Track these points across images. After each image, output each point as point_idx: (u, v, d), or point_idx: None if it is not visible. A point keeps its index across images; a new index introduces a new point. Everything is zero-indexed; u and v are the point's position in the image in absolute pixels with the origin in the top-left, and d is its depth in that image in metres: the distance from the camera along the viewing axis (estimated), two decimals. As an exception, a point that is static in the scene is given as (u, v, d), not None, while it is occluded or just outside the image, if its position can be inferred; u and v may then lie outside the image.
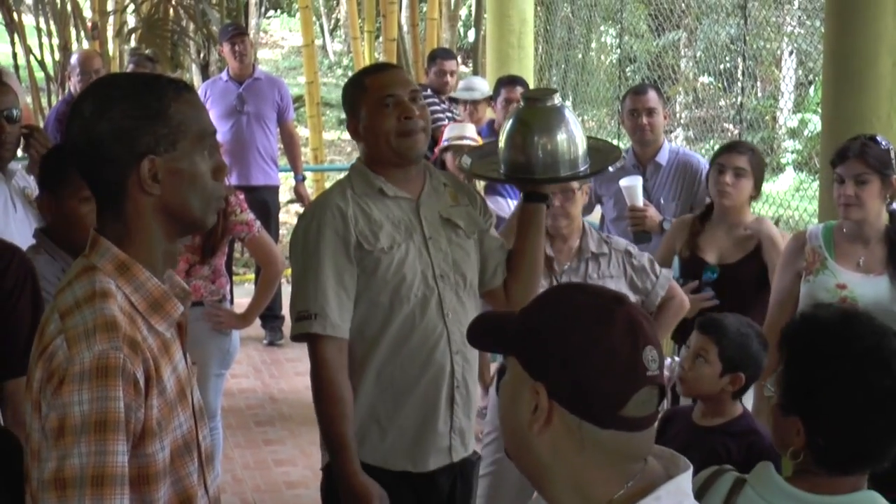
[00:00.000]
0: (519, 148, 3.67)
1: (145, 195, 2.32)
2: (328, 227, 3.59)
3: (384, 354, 3.65)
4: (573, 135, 3.67)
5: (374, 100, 3.63)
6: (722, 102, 13.60)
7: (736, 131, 13.46)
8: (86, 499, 2.15)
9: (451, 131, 7.26)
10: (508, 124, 3.74)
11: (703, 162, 6.29)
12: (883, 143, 4.62)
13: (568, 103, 3.71)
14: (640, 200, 5.93)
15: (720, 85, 13.62)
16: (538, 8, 11.26)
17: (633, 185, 5.92)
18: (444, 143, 7.12)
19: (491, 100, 7.85)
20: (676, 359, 4.77)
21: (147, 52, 10.83)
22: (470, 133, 7.20)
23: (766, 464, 2.50)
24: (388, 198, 3.67)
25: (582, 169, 3.72)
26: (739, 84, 11.43)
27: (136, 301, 2.31)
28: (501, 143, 3.73)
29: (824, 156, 5.79)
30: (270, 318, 9.07)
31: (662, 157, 6.17)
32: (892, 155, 4.63)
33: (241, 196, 5.76)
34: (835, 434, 2.43)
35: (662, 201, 6.11)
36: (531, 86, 9.53)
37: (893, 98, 5.56)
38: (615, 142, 10.04)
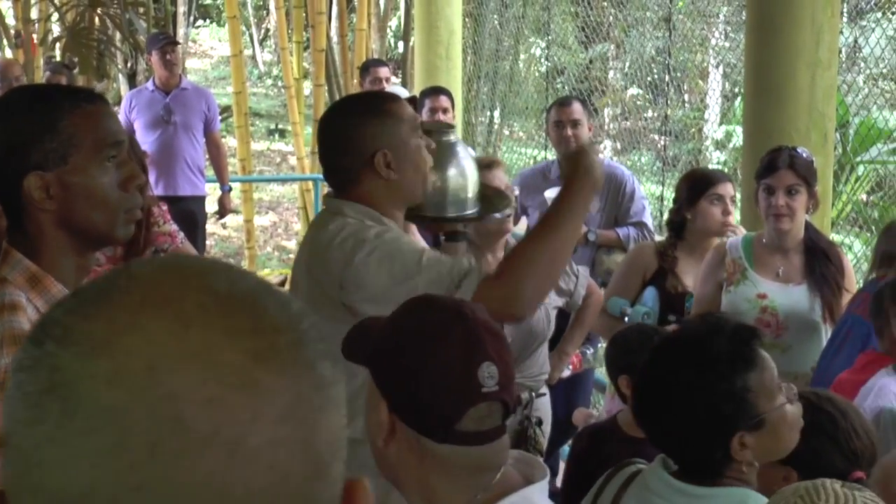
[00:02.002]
0: None
1: (41, 210, 2.27)
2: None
3: None
4: (465, 173, 3.47)
5: (410, 129, 3.19)
6: (650, 114, 13.72)
7: (664, 142, 13.60)
8: None
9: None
10: None
11: (628, 173, 6.34)
12: (805, 154, 4.69)
13: (475, 145, 3.60)
14: (564, 211, 5.95)
15: (647, 97, 13.74)
16: (466, 19, 11.30)
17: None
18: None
19: (412, 104, 7.84)
20: None
21: (64, 60, 10.75)
22: (402, 91, 7.47)
23: (662, 457, 2.52)
24: None
25: (471, 211, 3.51)
26: (665, 96, 11.52)
27: (47, 314, 2.29)
28: None
29: (745, 168, 5.86)
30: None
31: (587, 169, 6.19)
32: (815, 166, 4.71)
33: (165, 207, 5.72)
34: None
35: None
36: (458, 97, 9.57)
37: (812, 111, 5.64)
38: (543, 154, 10.11)
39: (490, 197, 3.67)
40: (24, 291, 2.27)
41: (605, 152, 14.18)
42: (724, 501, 2.42)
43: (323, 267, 3.14)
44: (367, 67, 8.96)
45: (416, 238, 6.52)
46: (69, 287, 2.32)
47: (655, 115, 12.62)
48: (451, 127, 3.73)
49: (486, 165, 4.88)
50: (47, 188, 2.26)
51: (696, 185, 5.15)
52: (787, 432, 2.44)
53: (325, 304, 3.11)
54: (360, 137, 3.16)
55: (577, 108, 6.19)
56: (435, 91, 7.65)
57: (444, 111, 7.40)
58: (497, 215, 3.82)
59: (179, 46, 9.24)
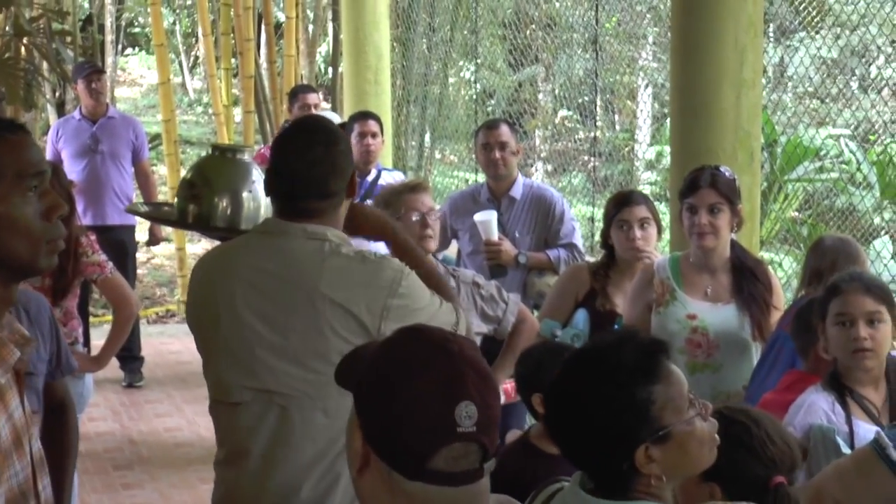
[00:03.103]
0: (196, 196, 3.65)
1: None
2: None
3: None
4: (258, 193, 3.67)
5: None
6: (581, 135, 13.79)
7: (594, 164, 13.66)
8: None
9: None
10: (192, 170, 3.74)
11: (557, 195, 6.36)
12: (727, 173, 4.72)
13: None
14: (494, 235, 5.97)
15: (577, 118, 13.82)
16: (395, 44, 11.31)
17: (487, 219, 5.96)
18: None
19: (343, 129, 7.80)
20: None
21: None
22: (334, 117, 7.73)
23: (580, 473, 2.50)
24: None
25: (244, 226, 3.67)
26: (595, 117, 11.58)
27: (-31, 347, 2.25)
28: (178, 189, 3.74)
29: (672, 188, 5.89)
30: (129, 359, 8.93)
31: (517, 191, 6.22)
32: (737, 185, 4.73)
33: (93, 237, 5.68)
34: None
35: (518, 235, 6.16)
36: (388, 122, 9.57)
37: (738, 130, 5.68)
38: (474, 177, 10.12)
39: None
40: None
41: (537, 174, 14.22)
42: None
43: (364, 297, 3.17)
44: (296, 94, 8.93)
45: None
46: (-10, 321, 2.29)
47: (586, 136, 12.69)
48: (246, 147, 3.91)
49: (411, 188, 4.90)
50: None
51: (608, 211, 5.21)
52: (697, 448, 2.40)
53: (358, 336, 3.14)
54: (346, 161, 3.29)
55: (504, 131, 6.20)
56: (363, 115, 7.64)
57: (374, 135, 7.40)
58: None
59: (106, 75, 9.18)
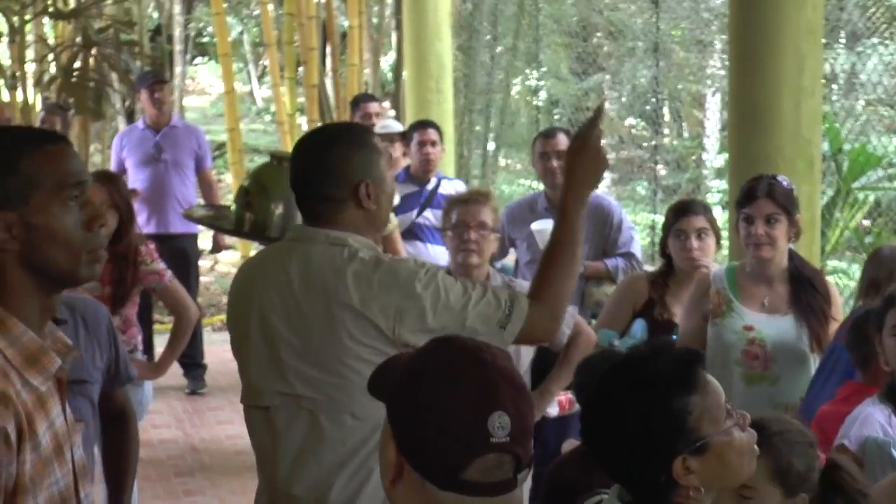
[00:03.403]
0: (252, 204, 3.63)
1: (3, 251, 2.27)
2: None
3: None
4: None
5: (387, 163, 3.33)
6: (647, 143, 13.72)
7: (655, 172, 13.58)
8: None
9: (380, 128, 7.68)
10: (246, 181, 3.69)
11: (615, 204, 6.33)
12: (785, 182, 4.66)
13: None
14: (551, 244, 5.93)
15: (645, 126, 13.74)
16: (457, 53, 11.32)
17: (544, 228, 5.93)
18: (377, 131, 7.33)
19: (404, 138, 7.81)
20: None
21: (59, 101, 10.79)
22: (395, 125, 7.78)
23: (618, 486, 2.47)
24: None
25: None
26: (656, 125, 11.51)
27: (10, 355, 2.26)
28: (235, 197, 3.68)
29: (732, 197, 5.83)
30: (192, 366, 9.00)
31: (574, 201, 6.17)
32: (795, 194, 4.67)
33: (152, 245, 5.74)
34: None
35: (575, 244, 6.11)
36: (450, 130, 9.57)
37: (797, 138, 5.62)
38: (537, 184, 10.09)
39: None
40: None
41: (603, 182, 14.14)
42: None
43: (378, 300, 3.14)
44: (358, 102, 8.97)
45: (400, 250, 6.57)
46: (33, 328, 2.31)
47: (650, 144, 12.62)
48: None
49: (464, 200, 4.89)
50: (9, 228, 2.25)
51: (667, 220, 5.17)
52: (736, 458, 2.37)
53: (376, 340, 3.14)
54: (348, 167, 3.24)
55: (561, 140, 6.18)
56: (423, 124, 7.65)
57: (433, 144, 7.40)
58: None
59: (168, 85, 9.26)
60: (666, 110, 14.41)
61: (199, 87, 23.78)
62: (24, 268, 2.28)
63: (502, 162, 13.65)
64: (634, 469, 2.37)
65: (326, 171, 3.27)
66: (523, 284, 4.89)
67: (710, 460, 2.33)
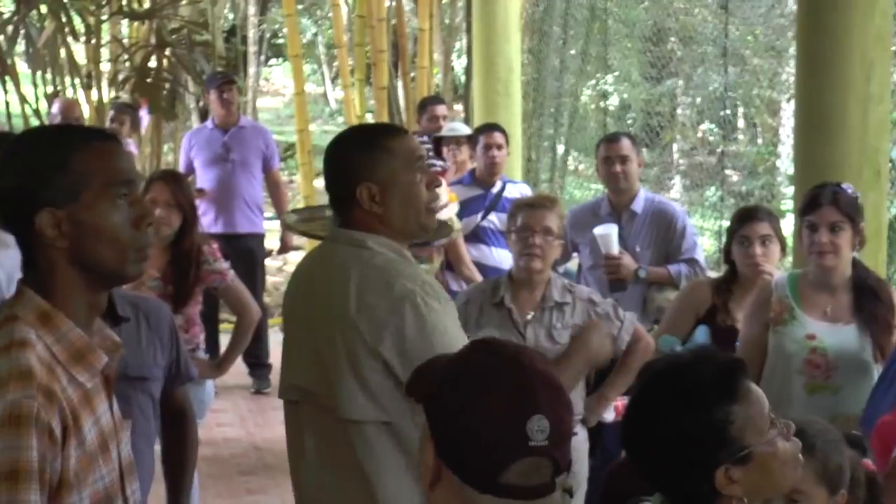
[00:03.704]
0: None
1: (53, 248, 2.29)
2: (444, 296, 3.22)
3: None
4: None
5: (405, 164, 3.22)
6: (720, 149, 13.60)
7: (735, 178, 13.45)
8: None
9: (446, 131, 7.88)
10: None
11: (679, 210, 6.28)
12: (849, 190, 4.60)
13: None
14: (614, 248, 5.91)
15: (720, 132, 13.63)
16: (527, 56, 11.29)
17: (607, 233, 5.91)
18: (443, 133, 7.65)
19: (470, 140, 7.80)
20: None
21: (129, 100, 10.91)
22: (462, 128, 7.79)
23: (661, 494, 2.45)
24: None
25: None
26: (728, 132, 11.41)
27: (56, 351, 2.29)
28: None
29: (797, 204, 5.76)
30: (257, 366, 9.05)
31: (637, 205, 6.15)
32: (860, 202, 4.61)
33: (215, 245, 5.78)
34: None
35: (638, 249, 6.08)
36: (517, 134, 9.54)
37: (864, 146, 5.54)
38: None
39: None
40: (35, 329, 2.27)
41: (675, 188, 14.06)
42: None
43: (367, 309, 3.14)
44: (425, 105, 8.98)
45: (464, 252, 6.55)
46: (81, 325, 2.33)
47: (720, 151, 12.50)
48: None
49: (529, 204, 4.88)
50: (59, 225, 2.28)
51: (731, 226, 5.12)
52: (780, 468, 2.34)
53: (360, 347, 3.13)
54: (348, 168, 3.23)
55: (625, 144, 6.14)
56: (489, 128, 7.63)
57: (499, 147, 7.38)
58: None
59: (236, 85, 9.31)
60: (741, 116, 14.29)
61: (274, 89, 23.95)
62: (72, 265, 2.30)
63: (572, 166, 13.61)
64: (676, 479, 2.35)
65: (331, 172, 3.29)
66: (583, 290, 4.88)
67: (753, 470, 2.30)
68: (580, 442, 4.80)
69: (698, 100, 13.88)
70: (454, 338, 3.08)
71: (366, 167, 3.21)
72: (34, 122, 12.15)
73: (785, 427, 2.35)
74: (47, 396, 2.20)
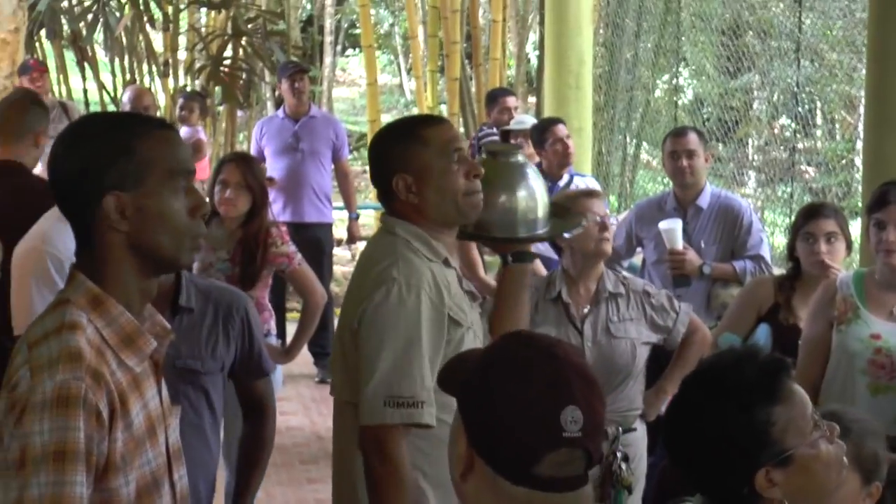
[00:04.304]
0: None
1: (113, 231, 2.31)
2: (426, 296, 3.15)
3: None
4: (534, 193, 3.42)
5: (439, 154, 3.22)
6: (798, 146, 13.45)
7: (812, 174, 13.28)
8: None
9: (514, 124, 7.86)
10: None
11: (745, 205, 6.21)
12: None
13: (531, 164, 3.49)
14: (679, 244, 5.86)
15: (794, 127, 13.47)
16: (601, 49, 11.23)
17: (671, 228, 5.86)
18: (510, 127, 7.70)
19: (529, 135, 7.76)
20: None
21: (199, 89, 11.00)
22: (529, 120, 7.79)
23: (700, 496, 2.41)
24: (448, 268, 3.28)
25: (541, 231, 3.47)
26: (810, 127, 11.27)
27: (107, 335, 2.31)
28: None
29: (865, 200, 5.67)
30: (322, 355, 9.07)
31: (703, 201, 6.09)
32: None
33: (284, 228, 5.80)
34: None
35: (703, 245, 6.02)
36: (588, 127, 9.51)
37: (935, 144, 5.46)
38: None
39: (560, 216, 3.65)
40: (86, 312, 2.30)
41: (750, 184, 13.91)
42: None
43: (358, 291, 3.22)
44: (495, 97, 8.96)
45: (475, 257, 6.54)
46: (131, 310, 2.35)
47: (792, 147, 12.37)
48: (518, 148, 3.69)
49: (587, 194, 4.86)
50: (123, 209, 2.30)
51: (796, 222, 5.04)
52: (823, 471, 2.30)
53: (352, 336, 3.21)
54: (385, 160, 3.29)
55: (692, 139, 6.08)
56: (551, 122, 7.61)
57: (566, 138, 7.35)
58: (566, 234, 3.86)
59: (307, 75, 9.35)
60: (819, 112, 14.12)
61: (350, 79, 24.01)
62: (129, 250, 2.33)
63: (644, 159, 13.53)
64: (716, 480, 2.32)
65: (372, 165, 3.34)
66: (637, 282, 4.85)
67: (794, 473, 2.27)
68: (639, 438, 4.78)
69: (775, 95, 13.74)
70: (408, 343, 3.09)
71: (401, 158, 3.23)
72: (112, 110, 12.32)
73: (829, 429, 2.31)
74: (95, 379, 2.22)
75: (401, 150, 3.25)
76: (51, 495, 2.15)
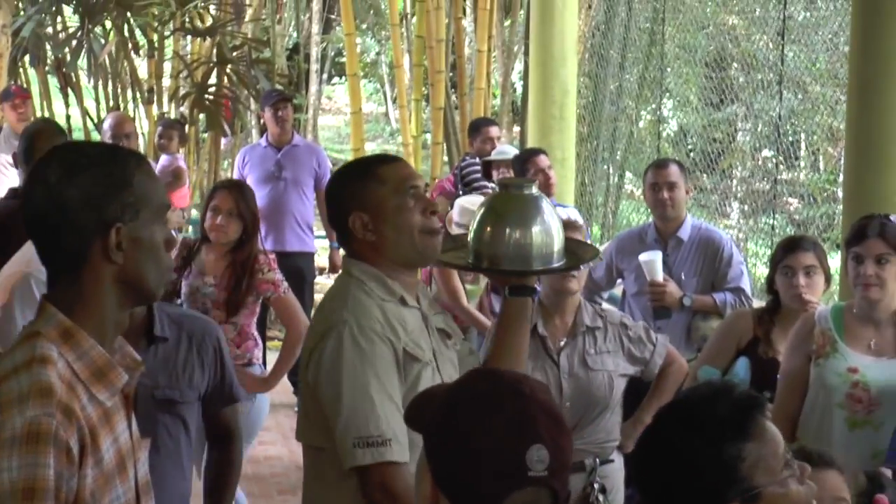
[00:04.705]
0: (490, 238, 3.35)
1: (108, 263, 2.31)
2: (378, 335, 3.14)
3: None
4: (549, 227, 3.33)
5: (394, 192, 3.23)
6: (780, 177, 13.48)
7: (796, 206, 13.30)
8: None
9: (495, 154, 7.67)
10: (481, 211, 3.43)
11: (726, 238, 6.22)
12: None
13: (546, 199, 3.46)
14: (659, 275, 5.86)
15: (779, 158, 13.51)
16: (585, 80, 11.25)
17: (651, 259, 5.86)
18: (492, 157, 7.52)
19: (511, 165, 7.76)
20: None
21: (177, 116, 10.99)
22: (511, 151, 7.57)
23: None
24: (405, 307, 3.26)
25: (556, 264, 3.39)
26: (792, 159, 11.30)
27: (77, 369, 2.29)
28: (472, 230, 3.42)
29: (844, 235, 5.68)
30: (303, 383, 9.04)
31: (684, 233, 6.09)
32: None
33: (272, 256, 5.82)
34: None
35: (683, 277, 6.02)
36: (571, 157, 9.52)
37: (916, 179, 5.47)
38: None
39: (574, 250, 3.57)
40: (56, 345, 2.28)
41: (733, 215, 13.94)
42: None
43: (308, 338, 3.26)
44: (478, 127, 8.97)
45: (457, 286, 6.50)
46: (103, 342, 2.34)
47: (781, 178, 12.40)
48: (532, 182, 3.65)
49: (569, 226, 4.84)
50: (120, 241, 2.30)
51: (775, 255, 5.04)
52: None
53: (304, 379, 3.24)
54: (341, 199, 3.27)
55: (673, 171, 6.09)
56: (532, 153, 7.62)
57: (549, 168, 7.35)
58: (583, 267, 3.85)
59: (291, 104, 9.34)
60: (802, 144, 14.16)
61: (336, 107, 24.06)
62: (116, 282, 2.33)
63: (627, 190, 13.55)
64: None
65: (329, 205, 3.32)
66: (615, 313, 4.85)
67: None
68: (616, 469, 4.77)
69: (759, 126, 13.78)
70: (366, 384, 3.08)
71: (356, 197, 3.23)
72: (95, 136, 12.29)
73: (800, 469, 2.30)
74: (66, 414, 2.20)
75: (357, 189, 3.25)
76: None
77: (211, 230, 5.68)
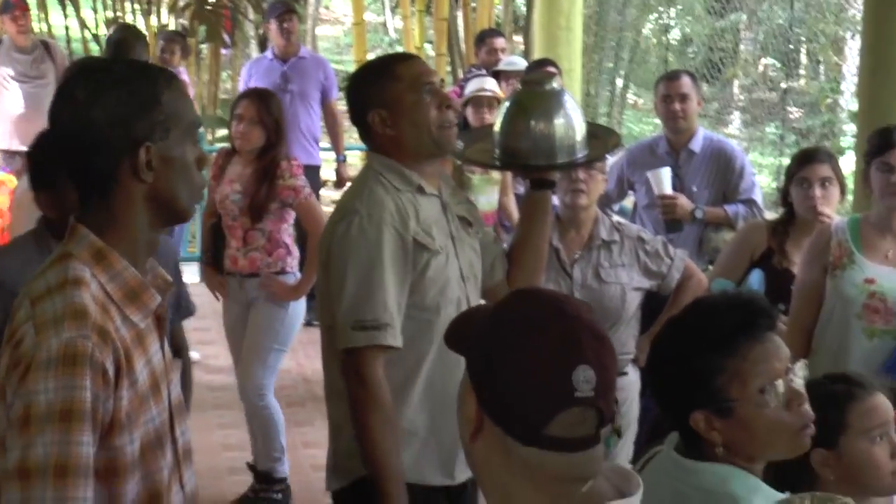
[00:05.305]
0: (515, 132, 3.48)
1: (138, 182, 2.29)
2: (387, 225, 3.30)
3: (433, 363, 3.37)
4: (572, 120, 3.46)
5: (410, 88, 3.37)
6: (783, 85, 13.41)
7: (797, 115, 13.27)
8: (48, 489, 2.12)
9: (472, 85, 7.23)
10: (505, 108, 3.55)
11: (738, 149, 6.18)
12: None
13: (568, 93, 3.51)
14: (668, 188, 5.83)
15: (783, 68, 13.43)
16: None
17: (658, 172, 5.83)
18: (466, 96, 7.15)
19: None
20: None
21: (178, 28, 10.88)
22: (490, 85, 7.15)
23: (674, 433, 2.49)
24: (423, 195, 3.41)
25: (580, 155, 3.51)
26: (795, 68, 11.23)
27: (111, 290, 2.28)
28: (497, 127, 3.55)
29: (859, 147, 5.66)
30: (310, 297, 9.00)
31: (696, 145, 6.06)
32: None
33: (296, 162, 5.84)
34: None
35: (695, 189, 6.00)
36: (578, 68, 9.44)
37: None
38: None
39: (599, 135, 3.68)
40: (89, 266, 2.27)
41: (734, 124, 13.91)
42: (707, 477, 2.36)
43: (327, 225, 3.46)
44: (483, 38, 8.89)
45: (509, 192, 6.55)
46: (135, 264, 2.33)
47: (782, 87, 12.34)
48: (553, 75, 3.74)
49: None
50: (149, 160, 2.29)
51: (790, 167, 5.02)
52: (765, 433, 2.34)
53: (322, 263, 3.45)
54: (360, 98, 3.46)
55: (685, 82, 6.03)
56: (540, 64, 7.56)
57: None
58: (608, 156, 3.98)
59: (296, 15, 9.25)
60: (804, 53, 14.08)
61: (334, 17, 23.84)
62: (148, 201, 2.32)
63: (631, 100, 13.48)
64: (666, 415, 2.44)
65: (349, 104, 3.50)
66: (632, 228, 4.85)
67: (734, 426, 2.33)
68: (631, 382, 4.79)
69: (761, 35, 13.67)
70: (369, 267, 3.26)
71: (375, 94, 3.40)
72: (93, 47, 12.19)
73: (791, 394, 2.33)
74: (101, 336, 2.20)
75: (375, 87, 3.41)
76: (56, 454, 2.13)
77: (235, 138, 5.82)
